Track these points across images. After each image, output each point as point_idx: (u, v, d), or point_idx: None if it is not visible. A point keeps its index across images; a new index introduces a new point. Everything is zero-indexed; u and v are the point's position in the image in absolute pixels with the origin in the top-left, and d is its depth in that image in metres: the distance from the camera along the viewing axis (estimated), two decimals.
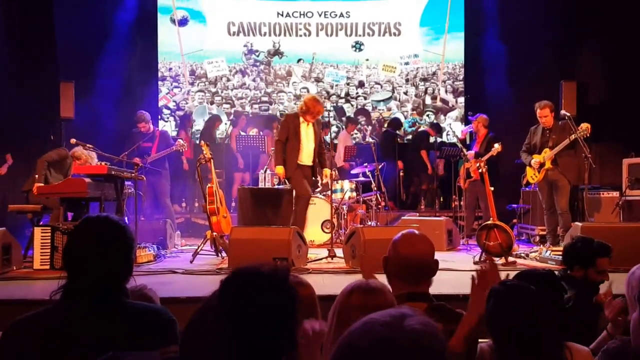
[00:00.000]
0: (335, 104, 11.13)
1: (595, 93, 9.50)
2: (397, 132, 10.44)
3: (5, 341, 1.72)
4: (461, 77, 11.12)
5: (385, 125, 10.84)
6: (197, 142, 9.49)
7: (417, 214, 9.04)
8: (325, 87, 11.19)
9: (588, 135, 6.64)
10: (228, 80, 11.11)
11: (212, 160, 6.74)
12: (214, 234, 6.40)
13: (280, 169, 6.69)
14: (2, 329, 1.76)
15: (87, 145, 6.62)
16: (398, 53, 11.18)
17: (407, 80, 11.20)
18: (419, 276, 2.22)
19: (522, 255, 6.36)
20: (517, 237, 7.94)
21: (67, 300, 1.75)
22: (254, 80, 11.16)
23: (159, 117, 10.67)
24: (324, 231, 7.70)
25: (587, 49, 9.72)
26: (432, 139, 10.22)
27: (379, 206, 8.33)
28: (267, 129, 10.12)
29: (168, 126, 10.75)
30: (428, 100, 11.21)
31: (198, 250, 6.29)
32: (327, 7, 11.09)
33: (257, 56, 11.13)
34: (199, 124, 10.76)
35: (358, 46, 11.16)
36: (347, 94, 11.22)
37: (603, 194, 8.04)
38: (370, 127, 11.09)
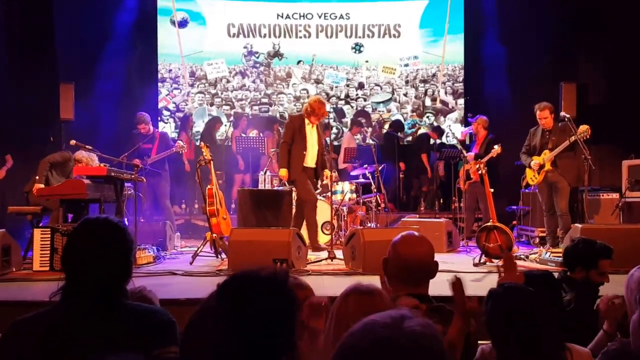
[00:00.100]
0: (335, 106, 11.14)
1: (595, 95, 9.50)
2: (399, 134, 10.44)
3: (5, 342, 1.72)
4: (461, 78, 11.13)
5: (387, 126, 10.86)
6: (198, 143, 9.50)
7: (417, 216, 9.03)
8: (325, 89, 11.19)
9: (588, 137, 6.64)
10: (228, 81, 11.11)
11: (212, 162, 6.74)
12: (214, 235, 6.40)
13: (283, 171, 6.64)
14: (2, 330, 1.76)
15: (87, 146, 6.62)
16: (398, 55, 11.19)
17: (406, 82, 11.21)
18: (419, 278, 2.23)
19: (522, 256, 6.36)
20: (517, 238, 7.94)
21: (66, 301, 1.75)
22: (253, 81, 11.17)
23: (159, 118, 10.67)
24: (324, 232, 7.69)
25: (586, 51, 9.72)
26: (432, 141, 10.22)
27: (379, 208, 8.32)
28: (268, 131, 10.12)
29: (168, 128, 10.76)
30: (428, 102, 11.21)
31: (198, 252, 6.29)
32: (327, 8, 11.10)
33: (257, 58, 11.14)
34: (198, 126, 10.77)
35: (358, 48, 11.16)
36: (347, 96, 11.23)
37: (603, 195, 8.04)
38: (370, 129, 11.09)
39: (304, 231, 6.45)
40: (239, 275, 1.34)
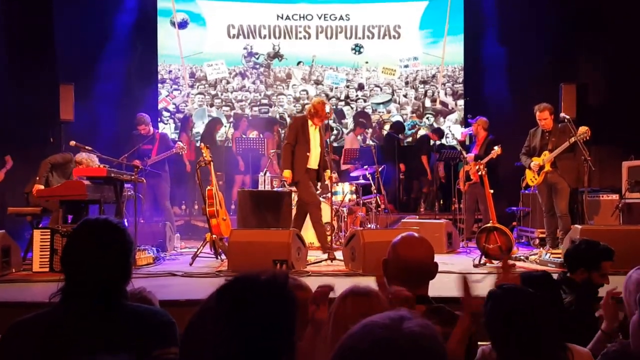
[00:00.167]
0: (335, 107, 11.13)
1: (595, 96, 9.50)
2: (399, 135, 10.43)
3: (4, 343, 1.71)
4: (461, 79, 11.13)
5: (387, 127, 10.86)
6: (198, 144, 9.50)
7: (417, 217, 9.03)
8: (324, 90, 11.20)
9: (588, 138, 6.64)
10: (228, 82, 11.12)
11: (212, 163, 6.74)
12: (214, 236, 6.40)
13: (287, 172, 6.57)
14: (1, 331, 1.76)
15: (86, 147, 6.62)
16: (398, 56, 11.19)
17: (406, 83, 11.22)
18: (419, 279, 2.23)
19: (522, 258, 6.36)
20: (517, 239, 7.93)
21: (66, 302, 1.75)
22: (253, 82, 11.17)
23: (159, 119, 10.67)
24: None
25: (586, 52, 9.72)
26: (432, 142, 10.22)
27: (379, 209, 8.32)
28: (268, 132, 10.12)
29: (167, 129, 10.76)
30: (428, 103, 11.22)
31: (197, 253, 6.29)
32: (326, 9, 11.10)
33: (257, 59, 11.14)
34: (198, 127, 10.77)
35: (358, 49, 11.17)
36: (347, 97, 11.23)
37: (603, 196, 8.04)
38: (370, 130, 11.09)
39: (304, 232, 6.44)
40: (239, 278, 1.34)
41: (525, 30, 9.86)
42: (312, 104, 6.77)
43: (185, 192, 9.73)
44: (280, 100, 11.19)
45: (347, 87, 11.24)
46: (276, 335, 1.27)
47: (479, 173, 6.47)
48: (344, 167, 9.43)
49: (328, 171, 6.78)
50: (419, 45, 11.20)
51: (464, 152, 8.05)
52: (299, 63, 11.23)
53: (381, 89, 11.22)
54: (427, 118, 11.17)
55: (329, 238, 6.59)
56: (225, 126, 10.73)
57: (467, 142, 9.39)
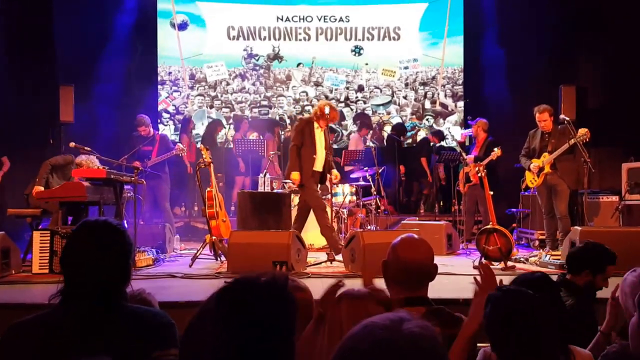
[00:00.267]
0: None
1: (595, 97, 9.51)
2: (401, 138, 10.42)
3: (4, 344, 1.71)
4: (460, 81, 11.14)
5: (389, 129, 10.87)
6: (198, 145, 9.50)
7: (417, 218, 9.03)
8: (324, 91, 11.20)
9: (587, 140, 6.64)
10: (227, 84, 11.12)
11: (212, 165, 6.74)
12: (213, 238, 6.40)
13: (296, 174, 6.47)
14: (1, 333, 1.76)
15: (86, 148, 6.62)
16: (397, 57, 11.20)
17: (406, 85, 11.22)
18: (418, 280, 2.22)
19: (522, 259, 6.36)
20: (517, 241, 7.93)
21: (65, 304, 1.75)
22: (253, 84, 11.18)
23: (159, 121, 10.67)
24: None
25: (586, 53, 9.73)
26: (431, 143, 10.23)
27: (379, 210, 8.32)
28: (269, 133, 10.12)
29: (167, 130, 10.76)
30: (427, 105, 11.22)
31: (197, 255, 6.29)
32: (326, 11, 11.12)
33: (257, 60, 11.15)
34: (198, 128, 10.78)
35: (357, 50, 11.18)
36: (347, 98, 11.24)
37: (602, 198, 8.04)
38: (370, 131, 11.09)
39: (304, 234, 6.43)
40: (239, 280, 1.34)
41: (525, 30, 9.86)
42: (319, 106, 6.70)
43: (185, 194, 9.73)
44: (280, 102, 11.20)
45: (347, 88, 11.25)
46: (276, 337, 1.27)
47: (479, 174, 6.47)
48: (347, 168, 9.39)
49: (334, 171, 6.76)
50: (418, 47, 11.21)
51: (463, 154, 8.06)
52: (298, 65, 11.24)
53: (381, 91, 11.23)
54: (427, 119, 11.17)
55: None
56: (225, 128, 10.74)
57: (467, 143, 9.39)
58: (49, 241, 5.59)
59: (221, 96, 11.09)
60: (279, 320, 1.29)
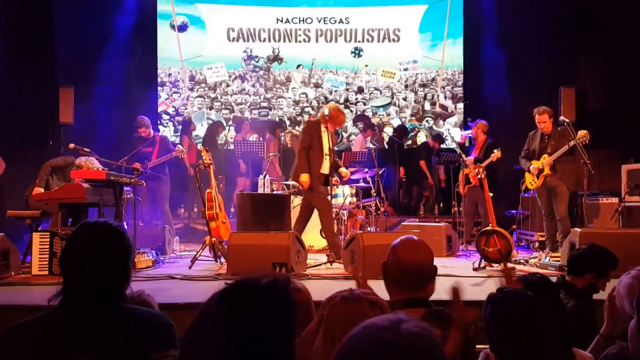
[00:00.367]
0: None
1: (594, 99, 9.51)
2: (402, 140, 10.42)
3: (3, 346, 1.71)
4: (460, 83, 11.15)
5: (390, 130, 10.87)
6: (199, 147, 9.50)
7: (417, 220, 9.03)
8: (324, 93, 11.21)
9: (587, 141, 6.64)
10: (227, 85, 11.13)
11: (211, 166, 6.74)
12: (213, 239, 6.39)
13: (306, 177, 6.40)
14: (0, 335, 1.75)
15: (85, 149, 6.62)
16: (397, 59, 11.22)
17: (406, 86, 11.23)
18: (418, 282, 2.22)
19: (522, 261, 6.36)
20: (516, 243, 7.94)
21: (65, 305, 1.75)
22: (253, 85, 11.19)
23: (158, 122, 10.68)
24: (322, 236, 7.68)
25: (586, 55, 9.73)
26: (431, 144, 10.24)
27: (379, 212, 8.32)
28: (270, 134, 10.12)
29: (167, 131, 10.76)
30: (427, 106, 11.23)
31: (197, 256, 6.29)
32: (326, 13, 11.13)
33: (257, 62, 11.16)
34: (198, 129, 10.78)
35: (357, 52, 11.19)
36: (347, 100, 11.24)
37: (602, 200, 8.04)
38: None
39: (304, 235, 6.42)
40: (240, 281, 1.35)
41: (525, 31, 9.86)
42: (328, 109, 6.60)
43: (185, 195, 9.73)
44: (279, 104, 11.20)
45: (347, 90, 11.25)
46: (277, 339, 1.27)
47: (479, 176, 6.47)
48: (350, 169, 9.35)
49: (343, 169, 6.77)
50: (418, 49, 11.21)
51: (463, 155, 8.06)
52: (298, 66, 11.25)
53: (381, 92, 11.24)
54: (427, 121, 11.18)
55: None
56: (225, 129, 10.75)
57: (467, 145, 9.39)
58: (48, 243, 5.58)
59: (221, 98, 11.10)
60: (280, 322, 1.29)
